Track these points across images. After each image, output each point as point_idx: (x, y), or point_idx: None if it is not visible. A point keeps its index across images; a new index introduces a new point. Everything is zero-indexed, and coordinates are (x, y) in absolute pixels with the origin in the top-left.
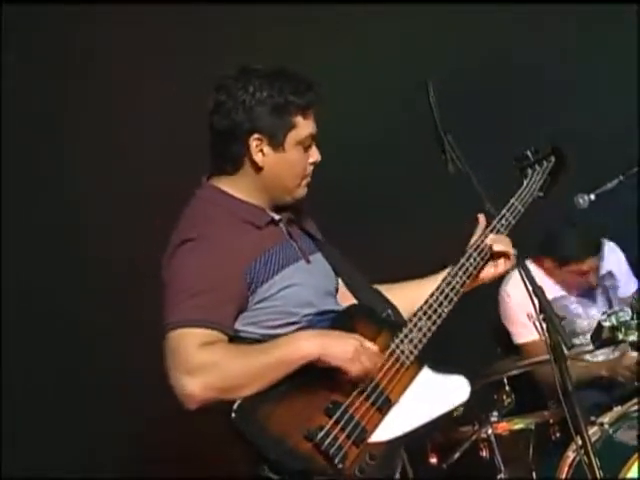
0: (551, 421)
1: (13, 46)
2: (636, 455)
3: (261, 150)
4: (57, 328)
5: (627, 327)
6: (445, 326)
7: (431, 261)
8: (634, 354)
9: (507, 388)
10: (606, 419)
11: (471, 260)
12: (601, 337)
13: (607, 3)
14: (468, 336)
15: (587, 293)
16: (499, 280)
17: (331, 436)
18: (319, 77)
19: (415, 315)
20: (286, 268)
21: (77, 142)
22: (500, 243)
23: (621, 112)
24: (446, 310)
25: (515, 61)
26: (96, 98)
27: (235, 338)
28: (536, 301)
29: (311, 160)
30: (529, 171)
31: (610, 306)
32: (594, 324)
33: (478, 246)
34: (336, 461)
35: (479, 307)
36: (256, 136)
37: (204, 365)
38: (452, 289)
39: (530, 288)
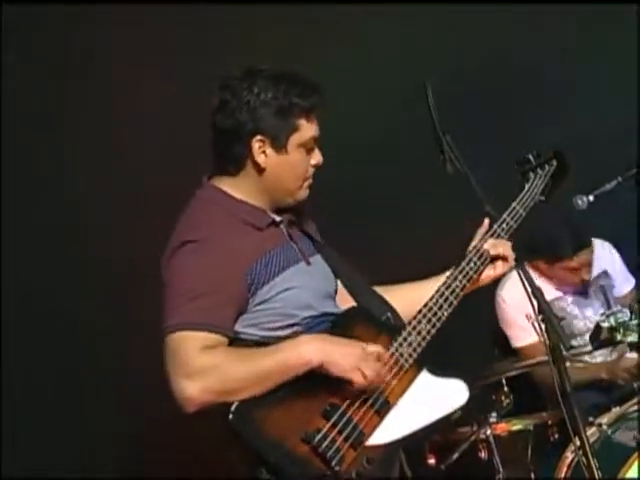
0: (550, 422)
1: (13, 46)
2: (635, 455)
3: (263, 151)
4: (57, 328)
5: (625, 328)
6: (444, 329)
7: (431, 261)
8: (632, 356)
9: (506, 389)
10: (604, 420)
11: (471, 264)
12: (599, 338)
13: (607, 3)
14: (466, 340)
15: (581, 291)
16: (496, 284)
17: (328, 439)
18: (319, 77)
19: (415, 318)
20: (286, 270)
21: (77, 142)
22: (499, 247)
23: (621, 112)
24: (446, 314)
25: (515, 61)
26: (96, 98)
27: (235, 340)
28: (535, 302)
29: (313, 162)
30: (531, 175)
31: (607, 307)
32: (591, 325)
33: (478, 250)
34: (333, 464)
35: (477, 310)
36: (259, 137)
37: (204, 369)
38: (452, 292)
39: (529, 289)
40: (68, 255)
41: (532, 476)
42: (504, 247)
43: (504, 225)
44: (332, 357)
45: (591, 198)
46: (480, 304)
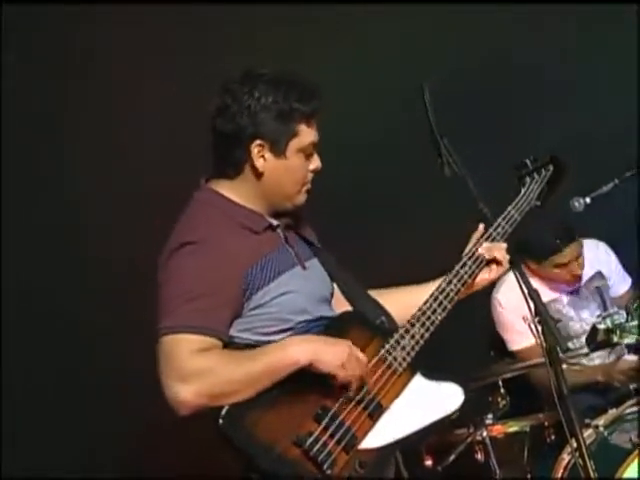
0: (546, 424)
1: (13, 46)
2: (631, 457)
3: (262, 156)
4: (57, 328)
5: (622, 329)
6: (439, 333)
7: (431, 261)
8: (629, 358)
9: (502, 391)
10: (601, 422)
11: (466, 268)
12: (596, 340)
13: (607, 3)
14: (460, 343)
15: (576, 290)
16: (491, 287)
17: (320, 442)
18: (319, 77)
19: (409, 322)
20: (282, 275)
21: (77, 142)
22: (494, 251)
23: (621, 112)
24: (440, 317)
25: (515, 61)
26: (96, 98)
27: (229, 344)
28: (531, 304)
29: (312, 167)
30: (527, 179)
31: (604, 308)
32: (587, 327)
33: (473, 254)
34: (325, 467)
35: (471, 314)
36: (258, 142)
37: (197, 372)
38: (446, 297)
39: (526, 291)
40: (68, 255)
41: (528, 477)
42: (499, 251)
43: (499, 229)
44: (320, 355)
45: (588, 200)
46: (475, 307)
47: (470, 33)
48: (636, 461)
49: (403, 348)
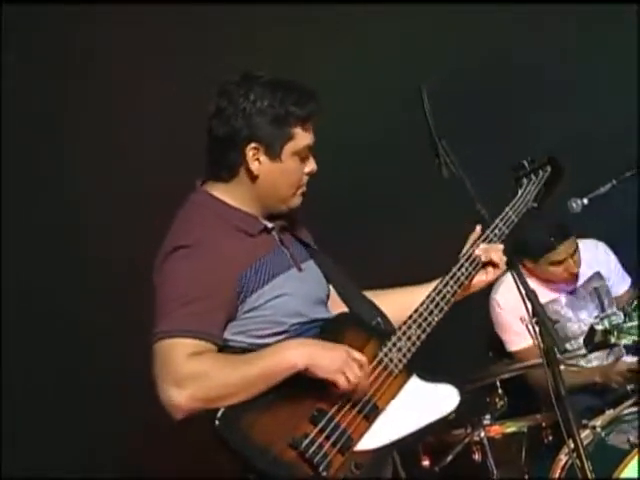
0: (544, 424)
1: (13, 46)
2: (629, 457)
3: (257, 159)
4: (57, 328)
5: (619, 330)
6: (436, 334)
7: (431, 261)
8: (627, 359)
9: (500, 391)
10: (598, 422)
11: (463, 269)
12: (594, 341)
13: (607, 3)
14: (457, 344)
15: (574, 289)
16: (490, 288)
17: (316, 444)
18: (319, 77)
19: (405, 323)
20: (276, 277)
21: (77, 142)
22: (490, 252)
23: (621, 112)
24: (436, 319)
25: (515, 61)
26: (96, 98)
27: (224, 347)
28: (529, 305)
29: (307, 170)
30: (524, 181)
31: (601, 309)
32: (585, 328)
33: (470, 255)
34: (320, 469)
35: (468, 315)
36: (253, 145)
37: (192, 376)
38: (443, 298)
39: (523, 292)
40: (68, 255)
41: (526, 478)
42: (496, 252)
43: (496, 230)
44: (317, 360)
45: (585, 201)
46: (472, 308)
47: (470, 33)
48: (633, 462)
49: (399, 350)
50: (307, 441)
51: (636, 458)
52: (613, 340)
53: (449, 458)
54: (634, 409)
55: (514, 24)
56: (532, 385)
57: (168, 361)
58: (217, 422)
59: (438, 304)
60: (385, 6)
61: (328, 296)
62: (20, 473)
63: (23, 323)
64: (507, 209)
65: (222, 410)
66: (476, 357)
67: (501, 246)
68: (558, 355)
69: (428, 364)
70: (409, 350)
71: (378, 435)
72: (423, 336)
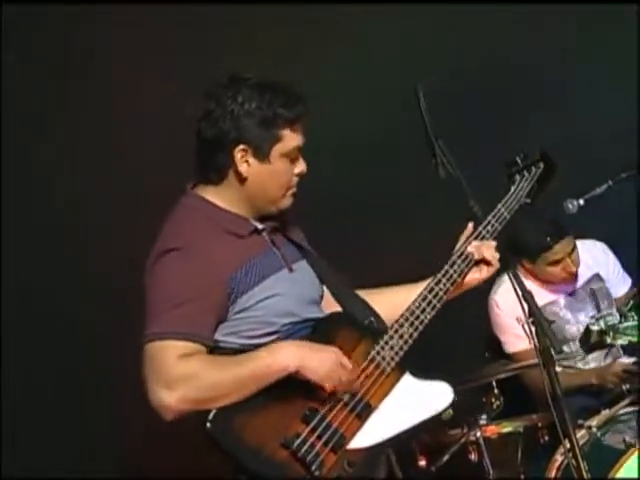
0: (539, 424)
1: (13, 46)
2: (624, 457)
3: (246, 161)
4: (57, 328)
5: (615, 331)
6: (435, 334)
7: (431, 261)
8: (622, 360)
9: (496, 391)
10: (594, 422)
11: (455, 267)
12: (590, 341)
13: (607, 3)
14: (457, 344)
15: (572, 290)
16: (488, 287)
17: (308, 443)
18: (319, 77)
19: (397, 322)
20: (267, 278)
21: (77, 142)
22: (483, 249)
23: (621, 112)
24: (429, 317)
25: (515, 61)
26: (96, 98)
27: (215, 348)
28: (525, 305)
29: (297, 171)
30: (517, 177)
31: (598, 310)
32: (583, 329)
33: (462, 253)
34: (313, 468)
35: (470, 314)
36: (241, 147)
37: (183, 378)
38: (435, 296)
39: (520, 292)
40: (68, 255)
41: (522, 478)
42: (488, 249)
43: (489, 227)
44: (307, 363)
45: (581, 202)
46: (471, 308)
47: (470, 33)
48: (629, 462)
49: (392, 348)
50: (299, 440)
51: (632, 458)
52: (609, 340)
53: (445, 458)
54: (630, 409)
55: (514, 24)
56: (529, 387)
57: (159, 363)
58: (208, 424)
59: (431, 302)
60: (385, 6)
61: (321, 296)
62: (20, 473)
63: (23, 323)
64: (499, 206)
65: (213, 412)
66: (473, 357)
67: (493, 243)
68: (555, 356)
69: (426, 363)
70: (401, 348)
71: (371, 433)
72: (415, 334)
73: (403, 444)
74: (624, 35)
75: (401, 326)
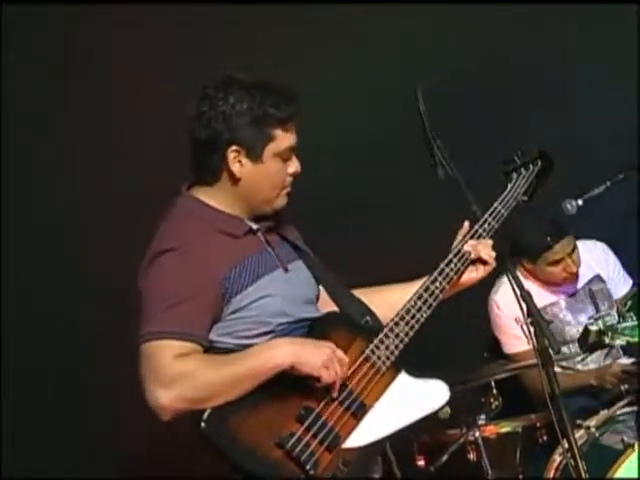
0: (538, 424)
1: (13, 46)
2: (622, 457)
3: (239, 161)
4: (57, 328)
5: (614, 331)
6: (433, 333)
7: (431, 261)
8: (621, 360)
9: (495, 391)
10: (592, 422)
11: (451, 265)
12: (588, 341)
13: (607, 3)
14: (456, 343)
15: (573, 291)
16: (487, 287)
17: (302, 442)
18: (319, 77)
19: (392, 321)
20: (261, 279)
21: (77, 142)
22: (479, 248)
23: (621, 112)
24: (424, 315)
25: (515, 61)
26: (96, 98)
27: (210, 349)
28: (524, 305)
29: (290, 171)
30: (514, 175)
31: (597, 311)
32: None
33: (459, 251)
34: (308, 467)
35: (468, 313)
36: (234, 147)
37: (179, 377)
38: (431, 294)
39: (518, 292)
40: (68, 255)
41: (520, 478)
42: (484, 248)
43: (485, 225)
44: (302, 357)
45: (580, 202)
46: (467, 307)
47: (470, 33)
48: (627, 462)
49: (387, 347)
50: (293, 440)
51: (630, 458)
52: (607, 341)
53: (444, 458)
54: (628, 409)
55: (514, 24)
56: (527, 387)
57: (154, 362)
58: (203, 424)
59: (426, 301)
60: (385, 6)
61: (317, 296)
62: (20, 473)
63: (23, 323)
64: (496, 204)
65: (208, 411)
66: (472, 357)
67: (490, 242)
68: (553, 356)
69: (425, 363)
70: (397, 347)
71: (366, 432)
72: (411, 333)
73: (400, 443)
74: (624, 35)
75: (397, 325)
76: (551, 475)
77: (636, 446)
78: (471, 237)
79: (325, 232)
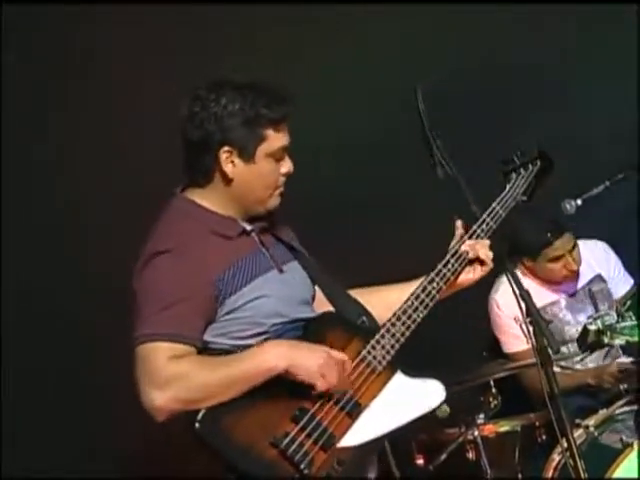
0: (537, 424)
1: (13, 46)
2: (621, 457)
3: (231, 162)
4: (57, 328)
5: (612, 331)
6: (433, 333)
7: (431, 261)
8: (621, 360)
9: (494, 390)
10: (591, 422)
11: (449, 266)
12: (587, 341)
13: (607, 3)
14: (455, 342)
15: (574, 290)
16: (486, 286)
17: (297, 442)
18: (319, 77)
19: (389, 321)
20: (255, 279)
21: (77, 142)
22: (477, 248)
23: (621, 112)
24: (421, 315)
25: (515, 61)
26: (96, 98)
27: (205, 350)
28: (523, 305)
29: (283, 171)
30: (513, 175)
31: (596, 310)
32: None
33: (456, 251)
34: (302, 467)
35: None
36: (226, 148)
37: (173, 379)
38: (428, 294)
39: (517, 291)
40: (68, 255)
41: (519, 477)
42: (482, 248)
43: (483, 225)
44: (296, 362)
45: (579, 202)
46: (466, 306)
47: (470, 33)
48: (626, 461)
49: (383, 347)
50: (287, 439)
51: (629, 457)
52: (606, 340)
53: (443, 457)
54: (627, 408)
55: (514, 24)
56: (526, 387)
57: (149, 364)
58: (197, 424)
59: (423, 301)
60: (385, 6)
61: (313, 297)
62: (20, 473)
63: (23, 323)
64: (494, 204)
65: (202, 412)
66: (472, 356)
67: (487, 242)
68: (552, 356)
69: (423, 363)
70: (393, 347)
71: (362, 431)
72: (408, 333)
73: (399, 442)
74: (624, 35)
75: (393, 325)
76: (550, 474)
77: (635, 445)
78: (469, 237)
79: (325, 232)
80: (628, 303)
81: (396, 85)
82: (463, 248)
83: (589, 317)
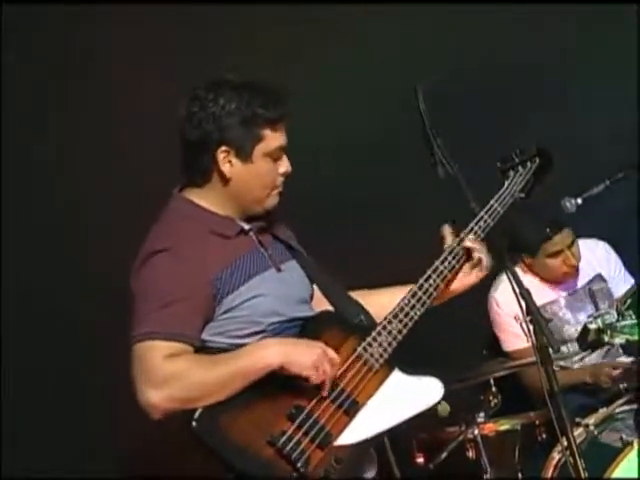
0: (537, 422)
1: (13, 46)
2: (621, 455)
3: (229, 161)
4: (57, 328)
5: (613, 329)
6: (432, 332)
7: (431, 262)
8: (620, 359)
9: (494, 389)
10: (591, 420)
11: (445, 263)
12: (587, 340)
13: (607, 3)
14: (454, 342)
15: (572, 281)
16: (486, 285)
17: (293, 440)
18: (319, 77)
19: (385, 319)
20: (253, 278)
21: (77, 142)
22: (478, 248)
23: (621, 112)
24: (418, 313)
25: (515, 61)
26: (96, 98)
27: (202, 348)
28: (523, 303)
29: (281, 171)
30: (511, 173)
31: (596, 309)
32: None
33: (453, 249)
34: (299, 465)
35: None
36: (224, 148)
37: (170, 377)
38: (425, 292)
39: (517, 290)
40: (68, 255)
41: (519, 476)
42: (479, 252)
43: (481, 223)
44: (291, 357)
45: (579, 201)
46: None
47: (470, 33)
48: (625, 460)
49: (380, 345)
50: (284, 438)
51: (629, 456)
52: (606, 339)
53: (443, 455)
54: (627, 407)
55: (514, 24)
56: (526, 385)
57: (146, 363)
58: (194, 423)
59: (420, 298)
60: (385, 6)
61: (312, 296)
62: (20, 473)
63: (23, 323)
64: (492, 201)
65: (199, 411)
66: (472, 355)
67: (484, 245)
68: (552, 356)
69: (423, 361)
70: (390, 345)
71: (359, 429)
72: (405, 330)
73: (399, 440)
74: (624, 35)
75: (389, 322)
76: (550, 473)
77: (635, 444)
78: (467, 234)
79: (325, 232)
80: (628, 302)
81: (396, 85)
82: (467, 243)
83: (589, 316)
